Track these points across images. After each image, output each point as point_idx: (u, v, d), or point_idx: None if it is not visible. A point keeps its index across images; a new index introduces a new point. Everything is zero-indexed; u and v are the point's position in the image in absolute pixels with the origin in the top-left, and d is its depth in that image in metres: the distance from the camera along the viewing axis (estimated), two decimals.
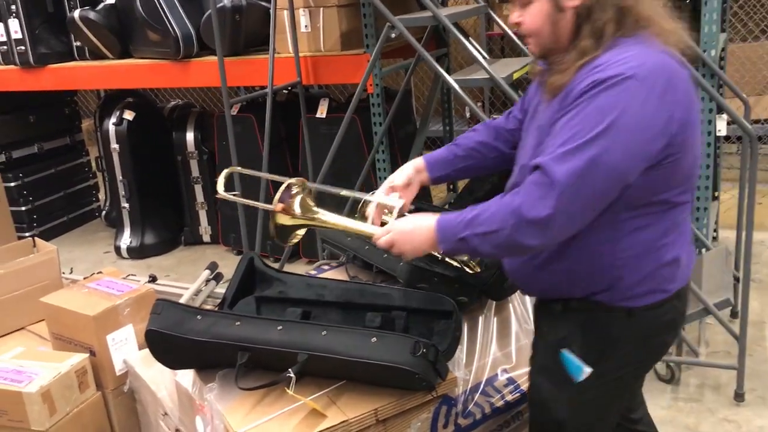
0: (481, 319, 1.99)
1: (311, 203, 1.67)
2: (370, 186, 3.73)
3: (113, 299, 2.27)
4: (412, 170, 1.71)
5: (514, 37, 3.20)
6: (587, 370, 1.45)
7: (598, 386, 1.48)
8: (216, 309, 1.91)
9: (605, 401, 1.53)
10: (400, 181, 1.70)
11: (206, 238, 4.61)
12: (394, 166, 3.63)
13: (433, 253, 1.65)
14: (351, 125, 3.25)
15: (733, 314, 3.04)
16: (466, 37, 2.87)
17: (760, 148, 4.01)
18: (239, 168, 2.20)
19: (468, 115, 6.25)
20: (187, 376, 1.82)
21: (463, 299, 1.86)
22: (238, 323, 1.65)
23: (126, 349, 2.28)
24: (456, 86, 2.61)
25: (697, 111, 1.36)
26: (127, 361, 2.25)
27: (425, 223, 1.45)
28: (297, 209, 1.65)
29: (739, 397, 2.56)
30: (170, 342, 1.66)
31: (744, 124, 2.45)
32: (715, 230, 3.62)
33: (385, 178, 1.74)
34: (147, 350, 2.24)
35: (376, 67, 3.11)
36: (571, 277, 1.44)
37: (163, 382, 2.05)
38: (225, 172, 1.93)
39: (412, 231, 1.47)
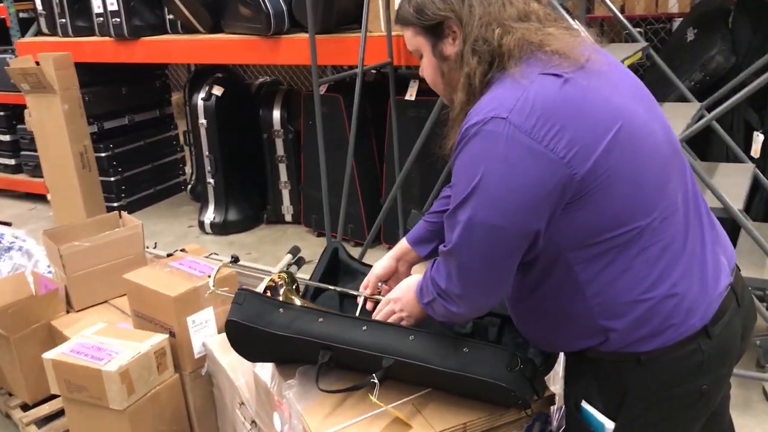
0: None
1: (293, 296, 1.68)
2: None
3: (195, 280, 2.23)
4: (390, 261, 1.67)
5: (623, 19, 2.97)
6: (609, 427, 1.28)
7: None
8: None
9: None
10: (382, 274, 1.68)
11: (288, 217, 4.58)
12: None
13: None
14: (441, 109, 3.09)
15: None
16: (573, 19, 2.67)
17: None
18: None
19: None
20: (266, 369, 1.75)
21: None
22: (321, 320, 1.55)
23: (205, 332, 2.23)
24: None
25: (624, 121, 1.15)
26: (206, 345, 2.20)
27: (413, 281, 1.47)
28: None
29: None
30: (250, 334, 1.58)
31: None
32: None
33: None
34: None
35: None
36: (560, 335, 1.32)
37: (242, 370, 1.99)
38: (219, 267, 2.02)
39: (405, 294, 1.49)
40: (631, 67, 2.59)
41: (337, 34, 3.59)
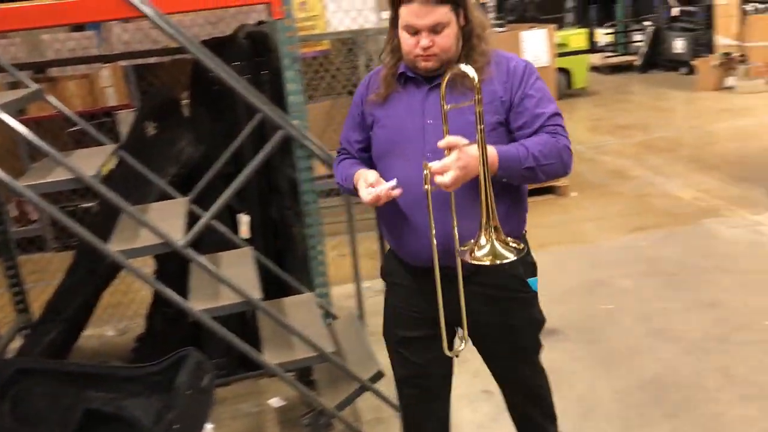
0: None
1: None
2: None
3: None
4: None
5: (82, 122, 2.71)
6: (536, 278, 1.99)
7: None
8: None
9: None
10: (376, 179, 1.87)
11: None
12: None
13: None
14: None
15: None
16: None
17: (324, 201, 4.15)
18: None
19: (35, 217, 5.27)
20: None
21: None
22: None
23: None
24: (36, 199, 2.03)
25: None
26: None
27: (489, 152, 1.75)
28: None
29: None
30: None
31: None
32: None
33: None
34: None
35: None
36: (522, 218, 1.99)
37: None
38: None
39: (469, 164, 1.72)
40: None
41: None
